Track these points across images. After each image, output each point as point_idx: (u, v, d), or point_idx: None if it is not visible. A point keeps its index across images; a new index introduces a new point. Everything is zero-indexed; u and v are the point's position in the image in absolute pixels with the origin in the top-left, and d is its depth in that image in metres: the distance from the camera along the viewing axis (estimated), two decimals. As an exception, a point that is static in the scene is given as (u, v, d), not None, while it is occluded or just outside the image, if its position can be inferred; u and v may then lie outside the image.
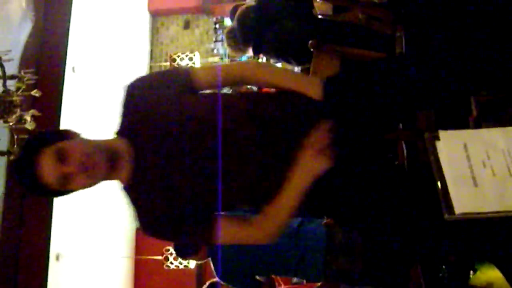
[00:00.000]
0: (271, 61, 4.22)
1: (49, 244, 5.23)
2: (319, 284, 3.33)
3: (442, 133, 1.48)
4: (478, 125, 1.65)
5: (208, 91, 1.99)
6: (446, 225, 1.44)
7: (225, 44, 3.89)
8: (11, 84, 4.14)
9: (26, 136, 3.95)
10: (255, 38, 3.53)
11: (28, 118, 3.87)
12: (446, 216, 1.34)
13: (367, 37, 3.30)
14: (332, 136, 1.74)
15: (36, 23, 5.08)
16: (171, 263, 6.30)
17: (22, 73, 4.23)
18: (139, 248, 7.60)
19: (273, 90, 2.03)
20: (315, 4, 3.56)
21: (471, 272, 1.78)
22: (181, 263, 6.23)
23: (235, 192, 1.85)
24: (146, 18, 8.54)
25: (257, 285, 3.29)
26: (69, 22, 5.50)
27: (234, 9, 3.76)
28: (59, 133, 1.83)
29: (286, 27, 3.48)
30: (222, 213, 1.90)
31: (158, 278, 7.43)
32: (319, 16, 3.51)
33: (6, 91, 3.99)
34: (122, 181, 1.85)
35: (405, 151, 2.53)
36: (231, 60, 7.75)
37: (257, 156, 1.80)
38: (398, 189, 1.90)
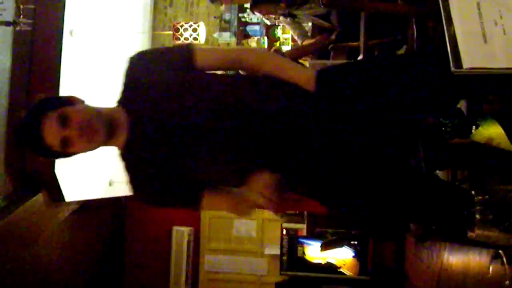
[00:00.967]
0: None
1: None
2: None
3: None
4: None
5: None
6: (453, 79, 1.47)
7: None
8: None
9: (32, 6, 3.91)
10: None
11: None
12: (453, 69, 1.27)
13: None
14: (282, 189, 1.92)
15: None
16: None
17: None
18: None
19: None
20: None
21: (473, 127, 1.81)
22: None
23: (221, 169, 2.00)
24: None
25: None
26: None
27: None
28: (63, 99, 1.99)
29: None
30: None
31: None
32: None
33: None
34: (118, 148, 2.02)
35: (415, 32, 2.51)
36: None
37: (245, 144, 1.92)
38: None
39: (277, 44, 7.80)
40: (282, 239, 6.03)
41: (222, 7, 8.23)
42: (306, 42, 4.74)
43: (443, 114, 1.78)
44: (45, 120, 1.89)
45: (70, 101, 1.98)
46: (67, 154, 1.97)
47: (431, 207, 1.84)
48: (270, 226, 7.12)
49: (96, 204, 6.42)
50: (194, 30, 6.51)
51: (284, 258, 6.41)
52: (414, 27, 3.02)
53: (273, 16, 4.73)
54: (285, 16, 4.65)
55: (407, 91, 1.93)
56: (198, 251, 7.68)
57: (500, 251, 1.39)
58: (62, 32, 5.32)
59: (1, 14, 3.95)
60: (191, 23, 6.61)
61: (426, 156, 1.95)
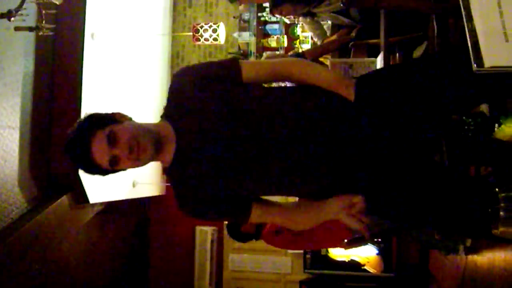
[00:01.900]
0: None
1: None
2: None
3: None
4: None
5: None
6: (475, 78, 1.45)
7: None
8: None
9: (54, 11, 3.97)
10: None
11: None
12: (475, 68, 1.28)
13: None
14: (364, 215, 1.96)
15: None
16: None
17: None
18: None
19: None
20: None
21: (496, 125, 1.81)
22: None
23: (271, 183, 2.02)
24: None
25: None
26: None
27: None
28: (110, 116, 2.00)
29: None
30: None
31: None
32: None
33: (30, -35, 3.93)
34: (165, 163, 2.03)
35: (436, 29, 2.52)
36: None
37: (294, 151, 1.94)
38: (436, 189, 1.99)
39: (297, 42, 7.79)
40: (305, 238, 6.01)
41: (241, 7, 8.24)
42: (326, 40, 4.74)
43: (466, 112, 1.79)
44: (94, 139, 1.91)
45: (117, 118, 2.01)
46: (115, 171, 1.99)
47: (457, 204, 1.86)
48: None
49: (120, 205, 6.47)
50: (214, 30, 6.51)
51: (308, 256, 6.42)
52: (435, 24, 3.01)
53: (293, 16, 4.74)
54: (304, 15, 4.66)
55: (441, 94, 1.96)
56: (221, 251, 7.71)
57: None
58: (84, 36, 5.36)
59: (24, 20, 3.99)
60: (210, 23, 6.61)
61: (451, 153, 1.96)
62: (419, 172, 2.00)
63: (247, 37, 8.04)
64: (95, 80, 5.53)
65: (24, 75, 4.84)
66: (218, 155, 1.97)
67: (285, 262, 7.46)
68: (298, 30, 7.80)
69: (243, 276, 7.66)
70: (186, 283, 7.69)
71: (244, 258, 7.60)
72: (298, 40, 7.82)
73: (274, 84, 2.60)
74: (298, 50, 7.37)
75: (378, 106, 1.99)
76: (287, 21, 5.34)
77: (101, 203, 5.99)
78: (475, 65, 1.34)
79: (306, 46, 7.45)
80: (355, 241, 5.12)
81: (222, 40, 6.59)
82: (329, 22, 4.74)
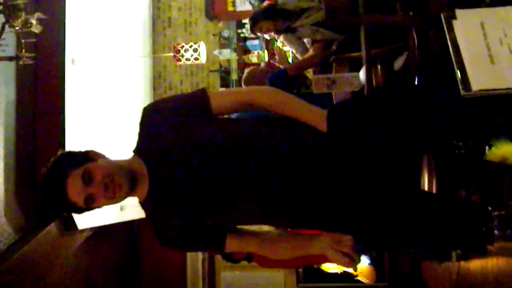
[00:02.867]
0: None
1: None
2: None
3: (459, 12, 1.55)
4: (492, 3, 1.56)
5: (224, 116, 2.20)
6: (463, 103, 1.38)
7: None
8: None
9: (34, 40, 3.95)
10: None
11: (34, 21, 3.78)
12: (462, 92, 1.29)
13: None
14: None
15: None
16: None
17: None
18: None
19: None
20: None
21: (487, 147, 1.80)
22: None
23: (244, 214, 2.04)
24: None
25: None
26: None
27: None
28: (84, 155, 2.01)
29: None
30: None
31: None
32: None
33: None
34: (140, 197, 2.05)
35: (416, 41, 2.54)
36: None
37: (267, 185, 1.96)
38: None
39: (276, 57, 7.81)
40: (297, 252, 5.98)
41: (220, 24, 8.27)
42: (308, 54, 4.75)
43: (455, 136, 1.80)
44: (69, 179, 1.92)
45: (91, 156, 2.02)
46: (90, 209, 2.01)
47: (452, 231, 1.88)
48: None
49: (109, 229, 6.42)
50: (195, 50, 6.50)
51: (300, 270, 6.40)
52: (415, 35, 3.04)
53: (273, 33, 4.75)
54: (285, 32, 4.67)
55: (419, 124, 1.96)
56: (213, 269, 7.67)
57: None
58: (64, 62, 5.34)
59: (3, 50, 3.97)
60: (191, 43, 6.61)
61: (441, 176, 1.98)
62: (403, 200, 2.03)
63: (227, 54, 8.06)
64: (77, 106, 5.51)
65: (6, 104, 4.81)
66: (190, 189, 1.99)
67: (278, 277, 7.43)
68: (279, 45, 7.81)
69: (237, 284, 7.63)
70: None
71: (236, 275, 7.56)
72: (253, 53, 7.83)
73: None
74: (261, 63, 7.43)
75: (352, 139, 2.01)
76: (267, 37, 5.35)
77: (90, 229, 5.95)
78: (462, 90, 1.35)
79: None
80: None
81: (203, 59, 6.59)
82: (305, 40, 4.75)
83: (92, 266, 6.56)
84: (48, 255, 5.29)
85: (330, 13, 3.10)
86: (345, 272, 5.99)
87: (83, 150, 2.06)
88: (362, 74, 3.66)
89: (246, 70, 5.08)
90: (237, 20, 8.13)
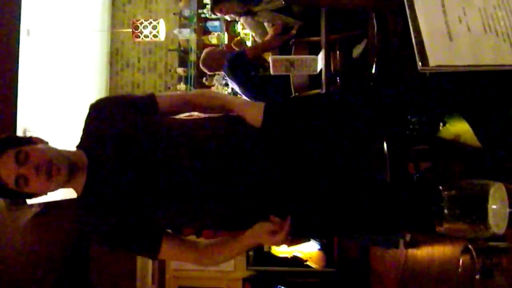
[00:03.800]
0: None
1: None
2: None
3: None
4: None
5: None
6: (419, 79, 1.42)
7: None
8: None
9: None
10: None
11: None
12: (420, 67, 1.30)
13: None
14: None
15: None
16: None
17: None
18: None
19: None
20: None
21: (441, 124, 1.84)
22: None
23: (181, 214, 2.02)
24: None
25: None
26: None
27: None
28: (25, 139, 1.98)
29: None
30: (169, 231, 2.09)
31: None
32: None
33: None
34: (76, 191, 2.01)
35: (375, 26, 2.55)
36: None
37: (199, 183, 1.95)
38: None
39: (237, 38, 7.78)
40: (248, 235, 6.00)
41: (181, 3, 8.18)
42: (267, 37, 4.74)
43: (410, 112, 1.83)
44: (3, 157, 1.87)
45: (32, 140, 1.97)
46: (25, 195, 1.94)
47: (401, 212, 1.91)
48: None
49: (59, 205, 6.32)
50: (154, 27, 6.44)
51: (251, 253, 6.41)
52: (375, 21, 3.04)
53: (234, 14, 4.72)
54: (245, 14, 4.64)
55: (363, 122, 2.03)
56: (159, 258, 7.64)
57: (469, 246, 1.42)
58: (19, 32, 5.22)
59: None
60: (150, 20, 6.54)
61: (392, 152, 2.01)
62: (349, 187, 2.05)
63: (187, 34, 7.99)
64: (31, 78, 5.39)
65: (-44, 73, 4.68)
66: (129, 186, 1.97)
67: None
68: (239, 28, 7.78)
69: (186, 275, 7.60)
70: (129, 283, 7.59)
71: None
72: (238, 38, 7.80)
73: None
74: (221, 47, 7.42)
75: (286, 135, 2.03)
76: (228, 19, 5.31)
77: (39, 204, 5.85)
78: (420, 64, 1.36)
79: (248, 44, 7.45)
80: (298, 238, 5.15)
81: (162, 37, 6.53)
82: (265, 24, 4.74)
83: (40, 242, 6.45)
84: (-5, 230, 5.19)
85: (291, -6, 3.09)
86: (295, 256, 6.03)
87: (27, 135, 2.04)
88: (321, 58, 3.66)
89: (205, 51, 5.04)
90: (198, 0, 8.06)
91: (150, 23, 6.53)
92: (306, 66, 3.68)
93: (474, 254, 1.41)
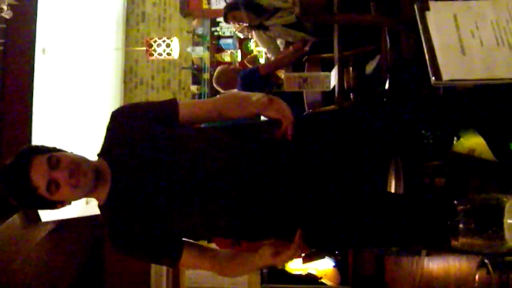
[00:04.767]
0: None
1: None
2: None
3: (432, 3, 1.59)
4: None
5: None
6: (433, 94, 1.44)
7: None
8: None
9: (3, 26, 3.87)
10: None
11: (5, 6, 3.70)
12: (433, 81, 1.29)
13: None
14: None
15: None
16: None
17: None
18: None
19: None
20: None
21: (455, 138, 1.83)
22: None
23: (203, 224, 2.03)
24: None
25: None
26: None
27: None
28: (51, 147, 2.00)
29: None
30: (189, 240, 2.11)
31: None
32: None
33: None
34: (99, 200, 2.03)
35: (388, 42, 2.55)
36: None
37: (228, 192, 1.97)
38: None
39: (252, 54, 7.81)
40: (262, 252, 5.98)
41: (195, 22, 8.24)
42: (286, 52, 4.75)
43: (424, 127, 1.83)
44: (34, 161, 1.89)
45: (57, 149, 2.01)
46: (51, 202, 1.96)
47: (416, 228, 1.91)
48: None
49: (73, 223, 6.34)
50: (168, 45, 6.48)
51: (265, 271, 6.38)
52: (387, 37, 3.05)
53: (246, 29, 4.74)
54: (257, 28, 4.66)
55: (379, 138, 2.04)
56: (178, 268, 7.62)
57: (485, 260, 1.40)
58: (34, 51, 5.27)
59: (-28, 35, 3.91)
60: (164, 38, 6.58)
61: (407, 166, 2.01)
62: (364, 202, 2.06)
63: (200, 52, 8.04)
64: (46, 96, 5.44)
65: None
66: (153, 195, 1.99)
67: (242, 277, 7.42)
68: (252, 45, 7.82)
69: (200, 289, 7.58)
70: (142, 301, 7.58)
71: (200, 274, 7.52)
72: (251, 55, 7.83)
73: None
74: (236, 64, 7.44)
75: (305, 149, 2.05)
76: (241, 36, 5.33)
77: (54, 222, 5.87)
78: (433, 78, 1.37)
79: (261, 61, 7.48)
80: (312, 255, 5.12)
81: (175, 55, 6.56)
82: (278, 41, 4.76)
83: (55, 259, 6.47)
84: (10, 247, 5.20)
85: (304, 9, 3.10)
86: (309, 274, 6.00)
87: (50, 146, 2.05)
88: (334, 75, 3.67)
89: (218, 69, 5.07)
90: (211, 18, 8.12)
91: (164, 41, 6.57)
92: (319, 82, 3.69)
93: (490, 269, 1.39)
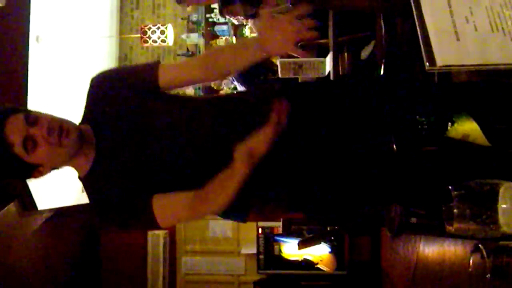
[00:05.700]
0: None
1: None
2: None
3: None
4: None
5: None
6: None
7: None
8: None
9: None
10: None
11: None
12: (427, 67, 1.30)
13: None
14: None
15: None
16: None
17: None
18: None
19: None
20: None
21: (449, 124, 1.82)
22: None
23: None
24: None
25: None
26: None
27: None
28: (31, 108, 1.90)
29: None
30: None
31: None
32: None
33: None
34: (81, 169, 1.92)
35: (383, 29, 2.55)
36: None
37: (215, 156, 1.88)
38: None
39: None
40: (258, 238, 6.05)
41: (189, 8, 8.20)
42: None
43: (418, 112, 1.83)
44: (11, 117, 1.76)
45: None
46: (28, 166, 1.81)
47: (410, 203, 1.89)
48: (246, 225, 7.12)
49: (69, 211, 6.35)
50: (162, 32, 6.47)
51: (261, 257, 6.41)
52: (382, 23, 3.05)
53: (242, 17, 4.74)
54: (253, 17, 4.66)
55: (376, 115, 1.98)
56: (174, 254, 7.65)
57: (480, 245, 1.41)
58: (28, 39, 5.25)
59: (-35, 23, 3.89)
60: (158, 25, 6.57)
61: (401, 153, 2.00)
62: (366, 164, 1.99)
63: (195, 39, 8.01)
64: (40, 84, 5.43)
65: (-34, 80, 4.71)
66: (139, 160, 1.91)
67: (238, 263, 7.46)
68: (247, 31, 7.80)
69: (196, 279, 7.62)
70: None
71: (197, 260, 7.56)
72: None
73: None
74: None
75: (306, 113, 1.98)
76: (236, 22, 5.32)
77: (50, 210, 5.88)
78: (427, 64, 1.37)
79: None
80: (308, 241, 5.15)
81: (170, 41, 6.55)
82: None
83: (51, 247, 6.48)
84: (7, 235, 5.21)
85: (297, -6, 3.09)
86: (305, 259, 6.03)
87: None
88: (329, 60, 3.67)
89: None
90: (206, 5, 8.07)
91: (158, 28, 6.56)
92: (314, 68, 3.69)
93: (484, 254, 1.40)
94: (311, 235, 5.39)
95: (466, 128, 1.75)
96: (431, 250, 3.85)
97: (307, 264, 6.08)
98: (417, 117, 1.77)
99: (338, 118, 1.99)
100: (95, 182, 1.92)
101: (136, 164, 1.91)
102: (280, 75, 3.79)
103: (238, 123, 1.92)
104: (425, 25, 1.41)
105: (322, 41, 4.15)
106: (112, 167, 1.91)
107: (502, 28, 1.44)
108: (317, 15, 4.16)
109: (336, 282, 6.11)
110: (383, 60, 3.13)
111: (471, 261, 1.45)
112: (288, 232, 5.75)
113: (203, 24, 8.09)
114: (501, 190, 1.39)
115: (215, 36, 8.13)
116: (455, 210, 1.43)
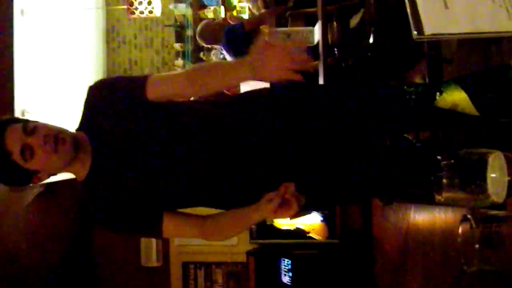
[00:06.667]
0: None
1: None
2: None
3: None
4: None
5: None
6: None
7: None
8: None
9: None
10: None
11: None
12: (415, 36, 1.28)
13: None
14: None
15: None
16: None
17: None
18: None
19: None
20: None
21: (437, 93, 1.81)
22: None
23: (185, 193, 2.02)
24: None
25: None
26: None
27: None
28: (29, 119, 1.97)
29: None
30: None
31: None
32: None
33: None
34: (78, 175, 2.00)
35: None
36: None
37: (207, 160, 1.96)
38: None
39: (234, 13, 7.72)
40: (250, 208, 6.04)
41: (177, -23, 8.11)
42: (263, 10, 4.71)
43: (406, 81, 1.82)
44: (9, 127, 1.87)
45: (35, 121, 1.97)
46: (27, 172, 1.90)
47: (398, 179, 1.90)
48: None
49: (61, 186, 6.32)
50: (149, 2, 6.39)
51: (254, 227, 6.44)
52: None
53: None
54: None
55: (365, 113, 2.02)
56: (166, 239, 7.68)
57: (468, 216, 1.41)
58: (13, 12, 5.18)
59: None
60: (146, -5, 6.49)
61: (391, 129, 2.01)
62: (348, 151, 2.06)
63: (183, 9, 7.93)
64: (27, 59, 5.37)
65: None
66: (136, 168, 1.98)
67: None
68: (235, 0, 7.72)
69: (190, 250, 7.64)
70: (133, 260, 7.64)
71: (190, 232, 7.59)
72: (235, 11, 7.73)
73: None
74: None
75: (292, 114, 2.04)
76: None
77: (42, 185, 5.85)
78: (415, 33, 1.35)
79: (244, 16, 7.40)
80: (301, 211, 5.15)
81: (158, 12, 6.48)
82: None
83: (43, 222, 6.47)
84: (-2, 211, 5.20)
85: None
86: (297, 228, 6.06)
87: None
88: (317, 29, 3.64)
89: (201, 23, 5.01)
90: (193, -26, 7.99)
91: (145, -2, 6.47)
92: (303, 38, 3.65)
93: (473, 223, 1.40)
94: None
95: (455, 97, 1.75)
96: (421, 218, 3.87)
97: (299, 233, 6.12)
98: (405, 86, 1.76)
99: (329, 118, 2.05)
100: (92, 190, 2.02)
101: (135, 178, 1.97)
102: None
103: (230, 138, 1.99)
104: (412, -6, 1.39)
105: (310, 10, 4.12)
106: (108, 179, 1.99)
107: (491, -5, 1.43)
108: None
109: (328, 250, 6.16)
110: (373, 28, 3.11)
111: (460, 231, 1.45)
112: (280, 202, 5.76)
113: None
114: (490, 160, 1.39)
115: (203, 6, 8.05)
116: (444, 180, 1.42)
